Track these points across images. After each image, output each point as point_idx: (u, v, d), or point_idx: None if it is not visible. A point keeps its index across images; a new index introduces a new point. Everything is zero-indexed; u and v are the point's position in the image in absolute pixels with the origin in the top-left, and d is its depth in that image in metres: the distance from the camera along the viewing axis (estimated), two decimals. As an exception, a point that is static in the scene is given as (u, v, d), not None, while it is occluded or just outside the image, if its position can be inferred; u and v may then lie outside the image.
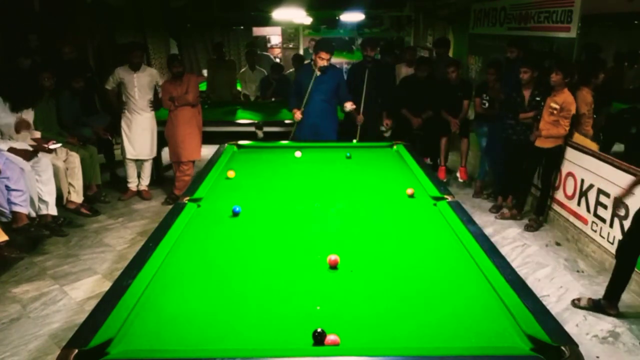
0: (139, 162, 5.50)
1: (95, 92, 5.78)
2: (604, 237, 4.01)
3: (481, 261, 2.27)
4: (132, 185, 5.56)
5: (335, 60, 11.31)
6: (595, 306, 3.39)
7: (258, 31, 11.34)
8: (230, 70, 7.68)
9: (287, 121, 5.45)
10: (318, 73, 4.83)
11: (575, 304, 3.48)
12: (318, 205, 3.05)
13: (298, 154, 4.09)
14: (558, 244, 4.49)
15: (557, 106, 4.31)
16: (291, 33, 11.46)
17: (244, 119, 5.87)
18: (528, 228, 4.73)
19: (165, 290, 2.08)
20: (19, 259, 3.97)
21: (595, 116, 4.57)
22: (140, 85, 5.23)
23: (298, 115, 4.90)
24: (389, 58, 7.22)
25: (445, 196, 3.09)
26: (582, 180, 4.30)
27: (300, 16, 8.01)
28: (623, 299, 3.56)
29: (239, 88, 7.86)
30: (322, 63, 4.78)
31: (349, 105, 4.90)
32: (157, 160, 5.78)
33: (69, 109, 5.09)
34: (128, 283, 2.05)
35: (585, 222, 4.27)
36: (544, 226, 4.81)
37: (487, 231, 4.58)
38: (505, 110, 4.82)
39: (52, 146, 4.47)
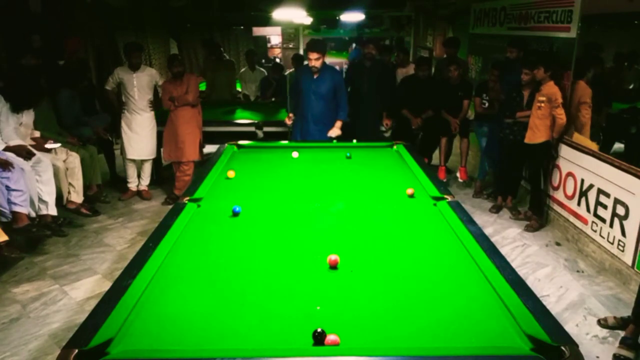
0: (139, 162, 5.50)
1: (95, 93, 5.79)
2: (604, 237, 4.01)
3: (481, 261, 2.27)
4: (132, 185, 5.56)
5: (335, 60, 11.39)
6: (624, 324, 3.14)
7: (258, 31, 11.34)
8: (229, 70, 7.67)
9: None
10: (315, 76, 4.82)
11: (602, 324, 3.26)
12: (318, 205, 3.05)
13: (295, 154, 4.07)
14: (558, 244, 4.49)
15: (543, 98, 4.38)
16: (291, 33, 11.46)
17: (244, 119, 5.87)
18: (528, 228, 4.73)
19: (165, 290, 2.08)
20: (19, 259, 3.97)
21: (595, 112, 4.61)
22: (140, 85, 5.23)
23: (287, 120, 4.98)
24: (384, 58, 7.25)
25: (445, 196, 3.09)
26: (582, 180, 4.30)
27: (300, 16, 8.01)
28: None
29: (238, 88, 7.86)
30: (312, 64, 4.75)
31: (333, 132, 4.86)
32: (157, 160, 5.78)
33: (68, 110, 5.09)
34: (128, 283, 2.05)
35: (585, 222, 4.27)
36: (544, 226, 4.80)
37: (487, 231, 4.58)
38: (504, 110, 4.83)
39: (49, 145, 4.47)
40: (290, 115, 5.02)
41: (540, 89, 4.43)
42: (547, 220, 4.89)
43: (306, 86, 4.86)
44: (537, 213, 4.80)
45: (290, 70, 7.62)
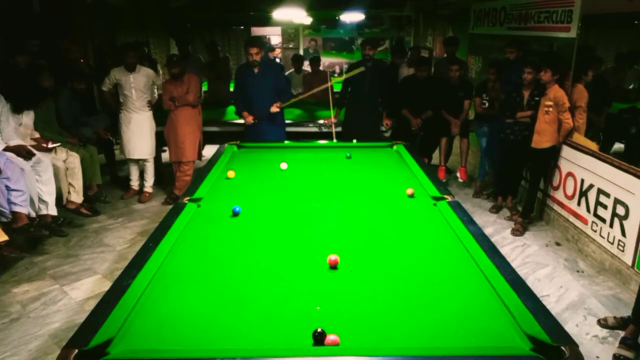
0: (141, 163, 5.50)
1: (94, 93, 5.80)
2: (604, 237, 4.01)
3: (481, 261, 2.27)
4: (134, 184, 5.57)
5: (335, 60, 11.40)
6: (624, 324, 3.14)
7: (258, 31, 11.35)
8: (225, 65, 7.67)
9: (287, 121, 5.45)
10: (256, 70, 4.86)
11: (602, 324, 3.26)
12: (318, 205, 3.05)
13: (284, 165, 3.83)
14: (558, 244, 4.49)
15: (550, 103, 4.36)
16: (291, 33, 11.48)
17: (244, 119, 5.86)
18: (515, 232, 4.67)
19: (165, 290, 2.08)
20: (19, 259, 3.97)
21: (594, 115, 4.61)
22: (137, 85, 5.22)
23: (250, 119, 4.97)
24: (399, 59, 7.23)
25: (445, 196, 3.09)
26: (582, 180, 4.30)
27: (300, 16, 8.01)
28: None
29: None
30: (252, 58, 4.78)
31: (273, 108, 4.88)
32: (157, 160, 5.77)
33: (68, 110, 5.09)
34: (128, 283, 2.05)
35: (585, 222, 4.27)
36: (528, 230, 4.74)
37: (487, 231, 4.58)
38: (504, 110, 4.83)
39: (50, 145, 4.47)
40: (246, 114, 5.01)
41: (546, 93, 4.40)
42: (548, 221, 4.89)
43: (249, 84, 4.91)
44: (526, 215, 4.78)
45: (291, 70, 7.63)
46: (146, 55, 6.76)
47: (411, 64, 6.75)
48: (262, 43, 4.98)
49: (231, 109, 6.46)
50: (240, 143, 4.49)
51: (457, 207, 2.91)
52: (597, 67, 4.91)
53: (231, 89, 7.74)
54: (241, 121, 5.78)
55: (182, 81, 5.14)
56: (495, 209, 5.18)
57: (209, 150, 5.23)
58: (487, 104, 5.37)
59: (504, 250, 4.11)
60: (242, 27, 11.20)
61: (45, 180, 4.24)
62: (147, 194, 5.52)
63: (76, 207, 4.82)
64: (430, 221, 2.83)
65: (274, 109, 4.87)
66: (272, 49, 11.72)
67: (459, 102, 5.62)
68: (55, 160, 4.50)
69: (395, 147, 4.40)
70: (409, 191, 3.19)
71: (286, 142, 4.77)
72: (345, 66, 10.88)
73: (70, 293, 3.62)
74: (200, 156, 5.64)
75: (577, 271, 4.01)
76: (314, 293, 2.06)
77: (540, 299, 1.97)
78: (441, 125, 5.72)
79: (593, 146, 4.31)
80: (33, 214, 4.13)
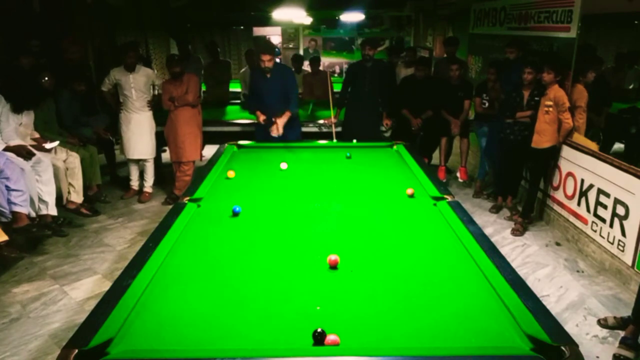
0: (141, 163, 5.50)
1: (95, 93, 5.79)
2: (604, 237, 4.01)
3: (481, 261, 2.27)
4: (134, 184, 5.57)
5: (335, 60, 11.39)
6: (624, 324, 3.14)
7: (258, 31, 11.35)
8: (225, 70, 7.68)
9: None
10: (268, 76, 4.75)
11: (602, 324, 3.26)
12: (318, 205, 3.05)
13: (284, 165, 3.84)
14: (558, 244, 4.49)
15: (550, 103, 4.36)
16: (291, 33, 11.47)
17: (244, 119, 5.87)
18: (514, 232, 4.67)
19: (165, 290, 2.08)
20: (19, 259, 3.97)
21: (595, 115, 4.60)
22: (137, 85, 5.21)
23: (262, 118, 4.82)
24: (396, 59, 7.23)
25: (445, 196, 3.09)
26: (582, 180, 4.30)
27: (300, 16, 7.99)
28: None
29: (238, 88, 7.86)
30: (264, 65, 4.66)
31: (274, 129, 4.60)
32: (157, 160, 5.77)
33: (68, 110, 5.09)
34: (128, 283, 2.05)
35: (585, 222, 4.27)
36: (527, 230, 4.74)
37: (487, 231, 4.58)
38: (504, 110, 4.83)
39: (48, 146, 4.46)
40: (259, 114, 4.87)
41: (546, 93, 4.40)
42: (548, 221, 4.89)
43: (261, 87, 4.82)
44: (526, 215, 4.78)
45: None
46: (140, 55, 6.76)
47: (408, 64, 6.75)
48: (274, 50, 4.87)
49: (230, 108, 6.51)
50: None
51: (457, 207, 2.91)
52: (597, 67, 4.90)
53: (231, 89, 7.77)
54: (242, 121, 5.81)
55: (182, 81, 5.14)
56: (495, 209, 5.18)
57: (209, 150, 5.23)
58: (487, 104, 5.37)
59: (504, 250, 4.11)
60: (242, 27, 11.19)
61: (45, 180, 4.24)
62: (147, 194, 5.52)
63: (76, 207, 4.83)
64: (430, 221, 2.83)
65: (275, 131, 4.61)
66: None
67: (459, 102, 5.62)
68: (55, 160, 4.50)
69: (395, 147, 4.40)
70: (409, 191, 3.19)
71: (286, 142, 4.76)
72: (345, 66, 10.90)
73: (70, 293, 3.62)
74: (200, 156, 5.64)
75: (577, 271, 4.01)
76: (314, 293, 2.06)
77: (540, 299, 1.98)
78: (441, 125, 5.72)
79: (593, 146, 4.31)
80: (33, 214, 4.13)
